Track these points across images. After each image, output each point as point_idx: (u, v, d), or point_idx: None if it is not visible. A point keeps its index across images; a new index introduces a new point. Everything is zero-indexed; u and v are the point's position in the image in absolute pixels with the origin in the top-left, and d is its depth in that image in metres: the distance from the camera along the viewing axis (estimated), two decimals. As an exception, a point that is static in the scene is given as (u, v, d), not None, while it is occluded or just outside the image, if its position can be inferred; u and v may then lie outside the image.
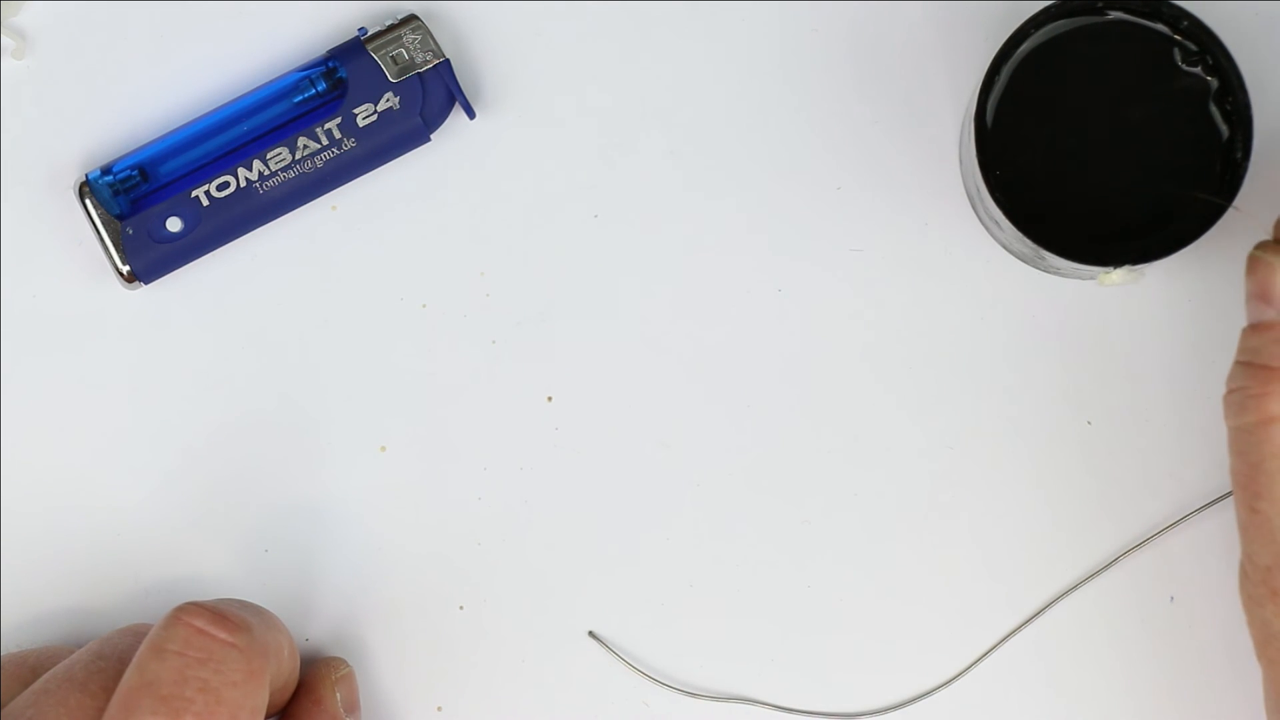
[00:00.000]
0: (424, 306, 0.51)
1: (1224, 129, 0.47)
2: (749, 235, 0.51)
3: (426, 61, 0.50)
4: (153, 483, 0.51)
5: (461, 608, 0.51)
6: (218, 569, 0.51)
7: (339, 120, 0.49)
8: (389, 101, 0.49)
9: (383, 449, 0.51)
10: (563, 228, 0.51)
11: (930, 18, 0.51)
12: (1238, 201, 0.46)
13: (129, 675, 0.43)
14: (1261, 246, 0.45)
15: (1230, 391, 0.45)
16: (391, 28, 0.50)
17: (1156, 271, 0.47)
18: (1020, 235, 0.47)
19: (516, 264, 0.51)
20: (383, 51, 0.50)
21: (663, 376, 0.51)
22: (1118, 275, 0.47)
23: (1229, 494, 0.50)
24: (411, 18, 0.50)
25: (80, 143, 0.51)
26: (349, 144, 0.50)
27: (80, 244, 0.51)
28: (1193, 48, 0.46)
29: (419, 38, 0.49)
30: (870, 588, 0.51)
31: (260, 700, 0.44)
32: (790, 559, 0.51)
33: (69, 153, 0.51)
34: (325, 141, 0.50)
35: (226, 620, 0.44)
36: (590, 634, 0.51)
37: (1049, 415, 0.51)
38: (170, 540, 0.51)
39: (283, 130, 0.50)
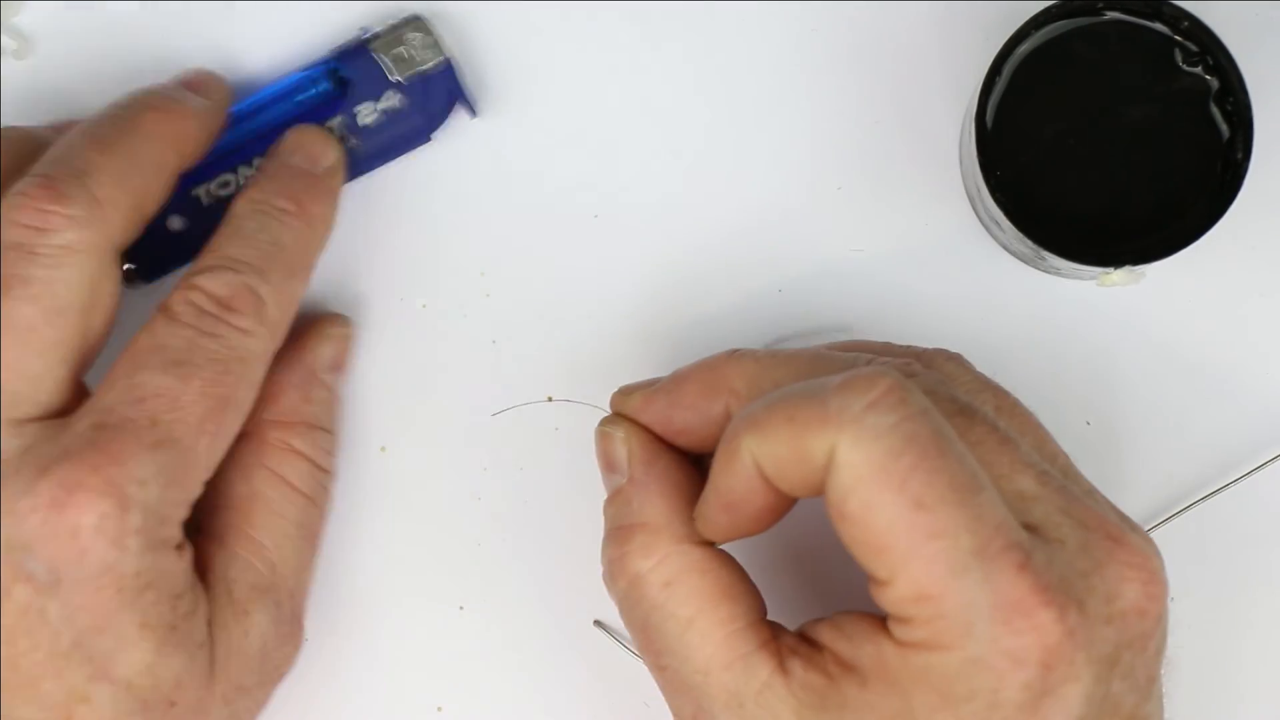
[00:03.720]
0: (424, 306, 0.51)
1: (1224, 129, 0.47)
2: (749, 235, 0.51)
3: (429, 61, 0.49)
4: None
5: (461, 608, 0.51)
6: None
7: (340, 119, 0.49)
8: (391, 100, 0.49)
9: (383, 449, 0.51)
10: (563, 228, 0.51)
11: (930, 18, 0.51)
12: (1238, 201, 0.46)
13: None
14: (602, 421, 0.46)
15: (603, 567, 0.45)
16: (394, 27, 0.50)
17: (1156, 271, 0.47)
18: (1020, 235, 0.47)
19: (516, 264, 0.51)
20: (385, 51, 0.49)
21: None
22: (1118, 275, 0.47)
23: (1226, 485, 0.50)
24: (415, 18, 0.50)
25: (80, 143, 0.51)
26: (351, 142, 0.50)
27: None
28: (1193, 48, 0.47)
29: (421, 37, 0.49)
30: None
31: (257, 378, 0.46)
32: (792, 548, 0.50)
33: (69, 153, 0.51)
34: None
35: (244, 310, 0.45)
36: (596, 623, 0.51)
37: (1049, 415, 0.51)
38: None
39: (284, 129, 0.50)
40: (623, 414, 0.46)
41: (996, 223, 0.48)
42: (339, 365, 0.50)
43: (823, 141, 0.51)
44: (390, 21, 0.50)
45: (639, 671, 0.50)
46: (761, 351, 0.45)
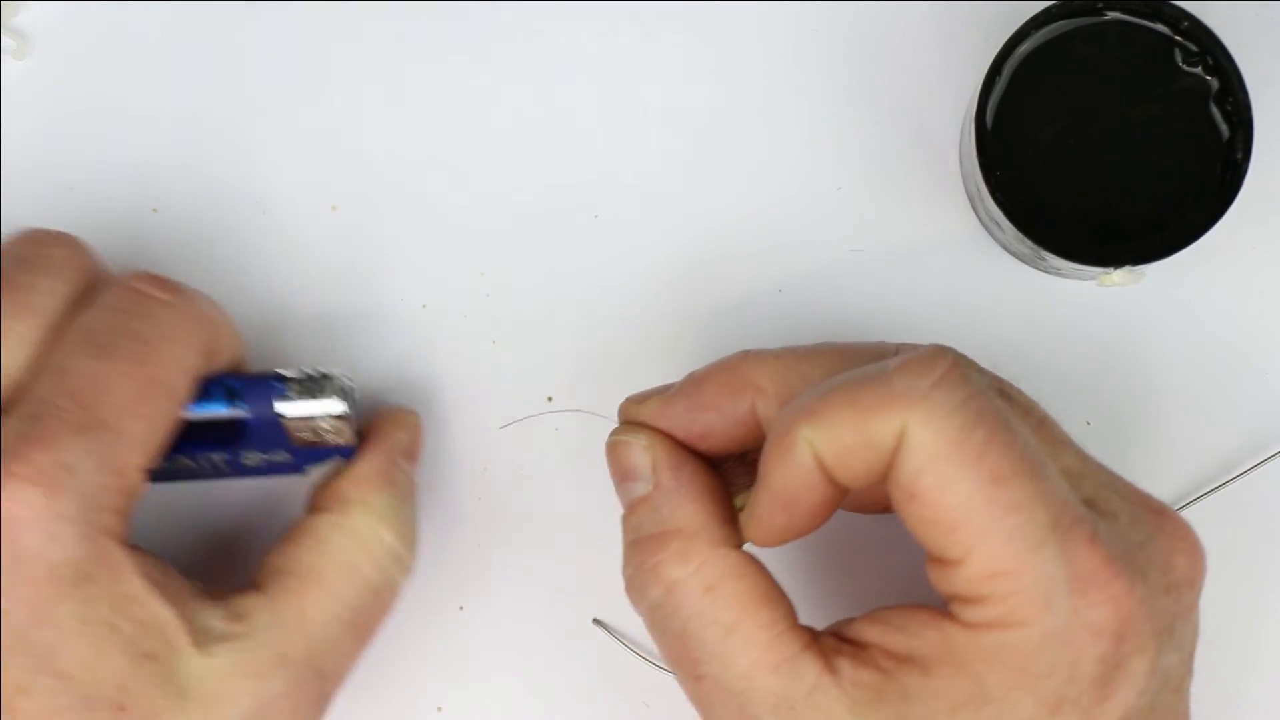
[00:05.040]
0: (424, 307, 0.51)
1: (1224, 129, 0.47)
2: (749, 235, 0.51)
3: (333, 443, 0.47)
4: (155, 486, 0.51)
5: (461, 608, 0.51)
6: (219, 569, 0.51)
7: (225, 456, 0.47)
8: (279, 455, 0.47)
9: (383, 449, 0.51)
10: (563, 228, 0.51)
11: (930, 18, 0.51)
12: (1236, 201, 0.46)
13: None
14: (614, 431, 0.46)
15: (628, 579, 0.44)
16: (310, 389, 0.46)
17: (1156, 271, 0.47)
18: (1020, 235, 0.47)
19: (516, 264, 0.51)
20: (294, 426, 0.46)
21: (664, 377, 0.51)
22: (1118, 275, 0.47)
23: (1226, 483, 0.50)
24: (340, 394, 0.46)
25: (80, 144, 0.51)
26: (222, 467, 0.47)
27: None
28: (1193, 48, 0.47)
29: (335, 424, 0.46)
30: (872, 580, 0.51)
31: (190, 361, 0.44)
32: (791, 546, 0.50)
33: (69, 154, 0.51)
34: (206, 465, 0.47)
35: (165, 283, 0.45)
36: (595, 621, 0.51)
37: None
38: (173, 540, 0.51)
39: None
40: (637, 421, 0.45)
41: (996, 223, 0.48)
42: (413, 453, 0.49)
43: (822, 141, 0.51)
44: (310, 377, 0.46)
45: (639, 671, 0.51)
46: (778, 349, 0.45)
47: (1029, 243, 0.47)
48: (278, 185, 0.51)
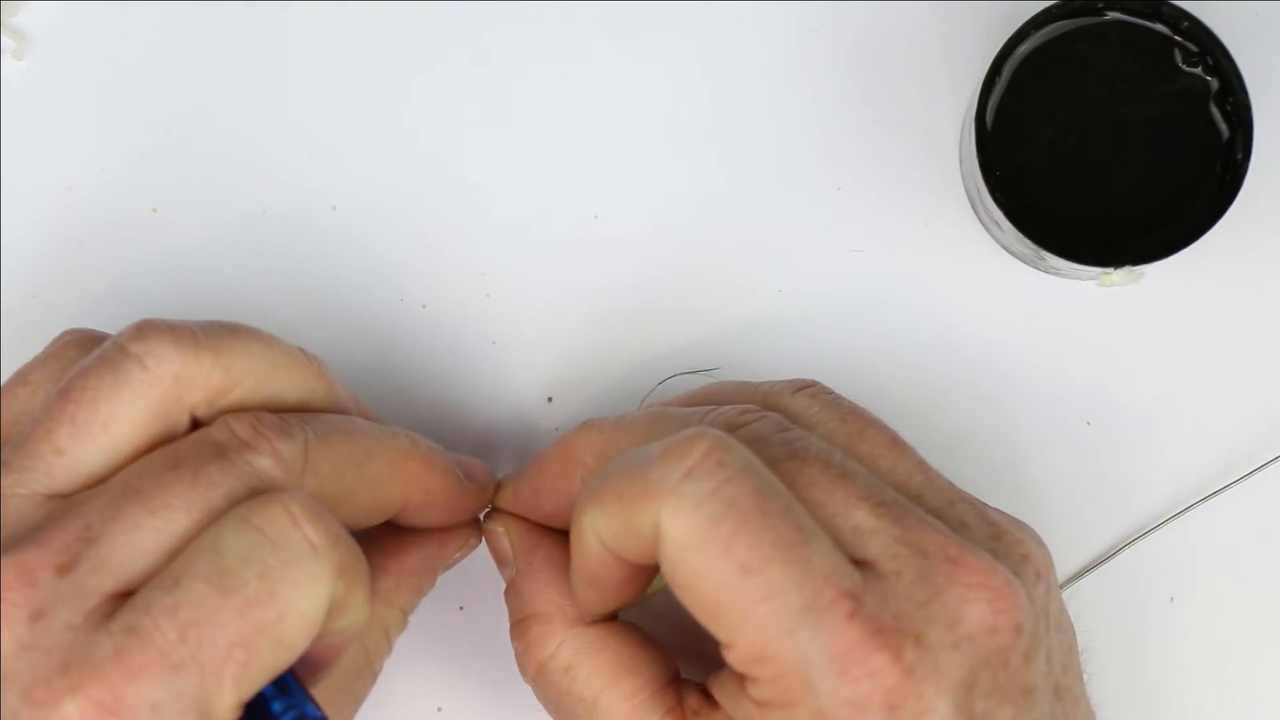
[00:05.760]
0: (424, 307, 0.51)
1: (1224, 129, 0.47)
2: (749, 236, 0.51)
3: None
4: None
5: (461, 608, 0.51)
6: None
7: None
8: None
9: (383, 449, 0.51)
10: (563, 228, 0.51)
11: (930, 18, 0.51)
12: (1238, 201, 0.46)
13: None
14: (484, 519, 0.47)
15: (515, 656, 0.46)
16: None
17: (1156, 271, 0.47)
18: (1020, 235, 0.47)
19: (516, 264, 0.51)
20: None
21: (664, 377, 0.51)
22: (1118, 275, 0.47)
23: (1226, 486, 0.50)
24: None
25: (81, 144, 0.51)
26: None
27: (80, 245, 0.51)
28: (1193, 48, 0.47)
29: None
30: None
31: (313, 614, 0.39)
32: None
33: (69, 154, 0.51)
34: None
35: (319, 519, 0.40)
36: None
37: (1049, 415, 0.51)
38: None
39: None
40: (500, 508, 0.47)
41: (996, 223, 0.48)
42: (449, 567, 0.48)
43: (823, 141, 0.51)
44: None
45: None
46: (609, 420, 0.45)
47: (1029, 243, 0.47)
48: (278, 185, 0.51)
